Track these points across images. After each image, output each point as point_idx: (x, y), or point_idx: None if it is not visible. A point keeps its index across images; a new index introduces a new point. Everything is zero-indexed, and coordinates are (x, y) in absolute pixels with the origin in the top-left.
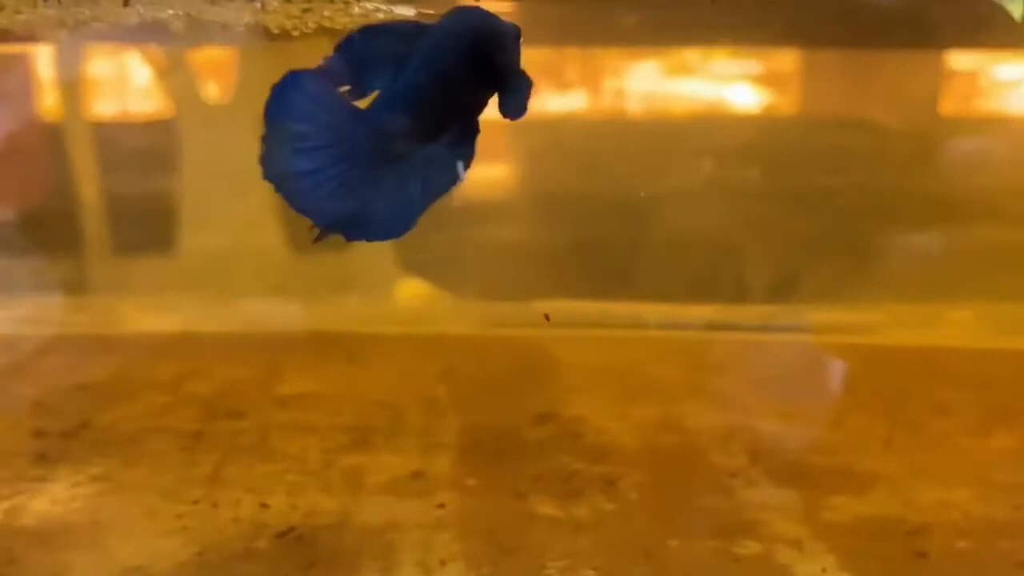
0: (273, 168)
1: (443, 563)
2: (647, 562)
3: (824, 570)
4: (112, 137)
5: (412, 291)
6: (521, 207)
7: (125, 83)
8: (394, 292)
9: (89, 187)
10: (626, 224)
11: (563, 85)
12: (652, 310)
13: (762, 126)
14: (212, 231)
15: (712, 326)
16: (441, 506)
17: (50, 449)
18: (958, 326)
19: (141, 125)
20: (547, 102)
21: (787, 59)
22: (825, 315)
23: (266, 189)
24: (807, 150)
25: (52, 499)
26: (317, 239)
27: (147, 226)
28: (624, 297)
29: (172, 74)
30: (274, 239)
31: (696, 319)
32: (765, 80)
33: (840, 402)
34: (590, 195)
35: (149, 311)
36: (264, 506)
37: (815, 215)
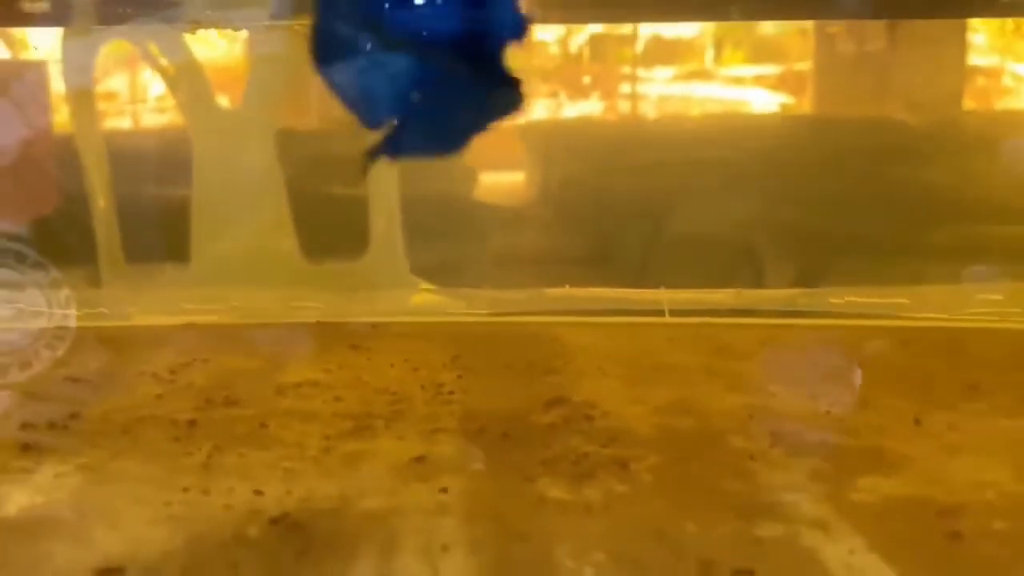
0: (325, 57)
1: (446, 548)
2: (661, 544)
3: (852, 552)
4: (124, 145)
5: (425, 301)
6: (538, 209)
7: (137, 91)
8: (407, 302)
9: (101, 195)
10: (644, 222)
11: (581, 91)
12: (669, 297)
13: (779, 124)
14: (225, 238)
15: (732, 312)
16: (444, 491)
17: (36, 441)
18: (987, 307)
19: (153, 133)
20: (568, 107)
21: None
22: (851, 299)
23: (279, 198)
24: (826, 147)
25: (35, 489)
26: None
27: (158, 233)
28: (639, 286)
29: (183, 81)
30: (287, 247)
31: (715, 305)
32: (781, 80)
33: (867, 384)
34: (608, 196)
35: (154, 309)
36: (258, 493)
37: (839, 209)
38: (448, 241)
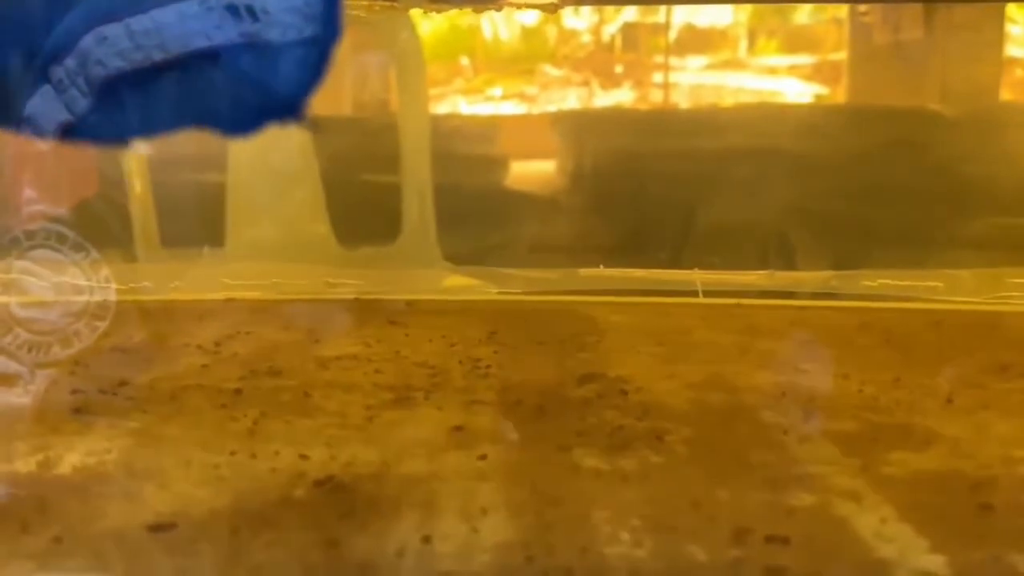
0: None
1: (485, 511)
2: (695, 512)
3: (883, 521)
4: None
5: (459, 281)
6: (569, 197)
7: None
8: (441, 281)
9: (138, 179)
10: (676, 211)
11: (613, 80)
12: (702, 278)
13: (813, 113)
14: (259, 223)
15: (765, 293)
16: (483, 457)
17: (87, 405)
18: (1020, 291)
19: None
20: (600, 96)
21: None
22: (884, 282)
23: (314, 183)
24: (860, 137)
25: (87, 451)
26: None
27: (193, 217)
28: (673, 267)
29: None
30: (321, 232)
31: (748, 287)
32: (816, 70)
33: (900, 364)
34: (640, 185)
35: (195, 285)
36: (303, 457)
37: (873, 198)
38: (480, 228)
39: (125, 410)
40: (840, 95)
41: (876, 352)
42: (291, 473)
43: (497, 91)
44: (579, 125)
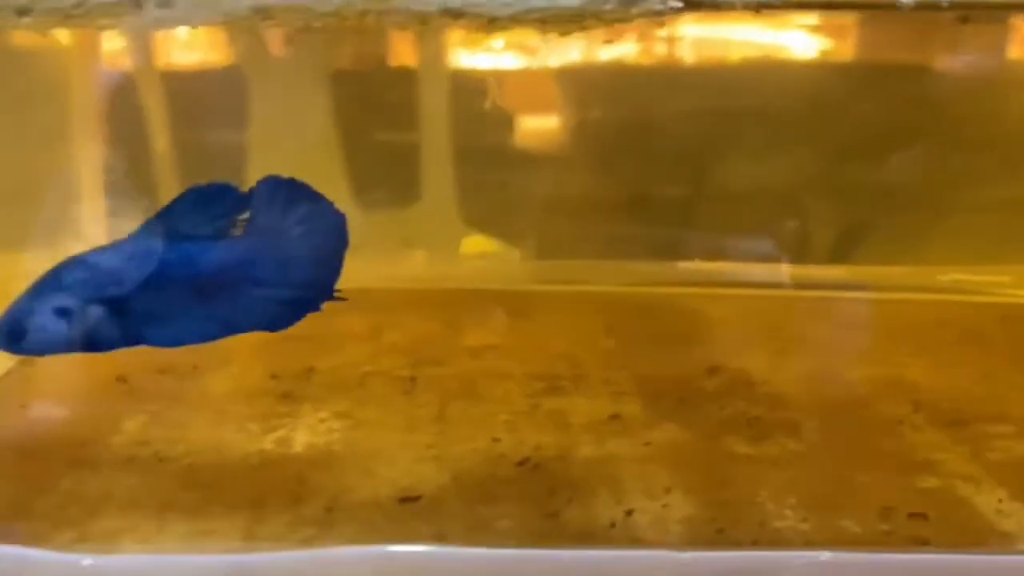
0: None
1: (668, 490)
2: (842, 493)
3: (1000, 500)
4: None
5: (476, 246)
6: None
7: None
8: (460, 247)
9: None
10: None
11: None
12: (787, 271)
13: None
14: None
15: (847, 286)
16: (648, 444)
17: (289, 390)
18: None
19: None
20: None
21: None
22: (955, 277)
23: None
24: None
25: (310, 431)
26: None
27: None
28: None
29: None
30: (342, 198)
31: (830, 279)
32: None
33: (984, 358)
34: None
35: None
36: (496, 440)
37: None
38: (498, 191)
39: (321, 395)
40: (848, 51)
41: (957, 346)
42: (491, 455)
43: (498, 43)
44: (584, 80)
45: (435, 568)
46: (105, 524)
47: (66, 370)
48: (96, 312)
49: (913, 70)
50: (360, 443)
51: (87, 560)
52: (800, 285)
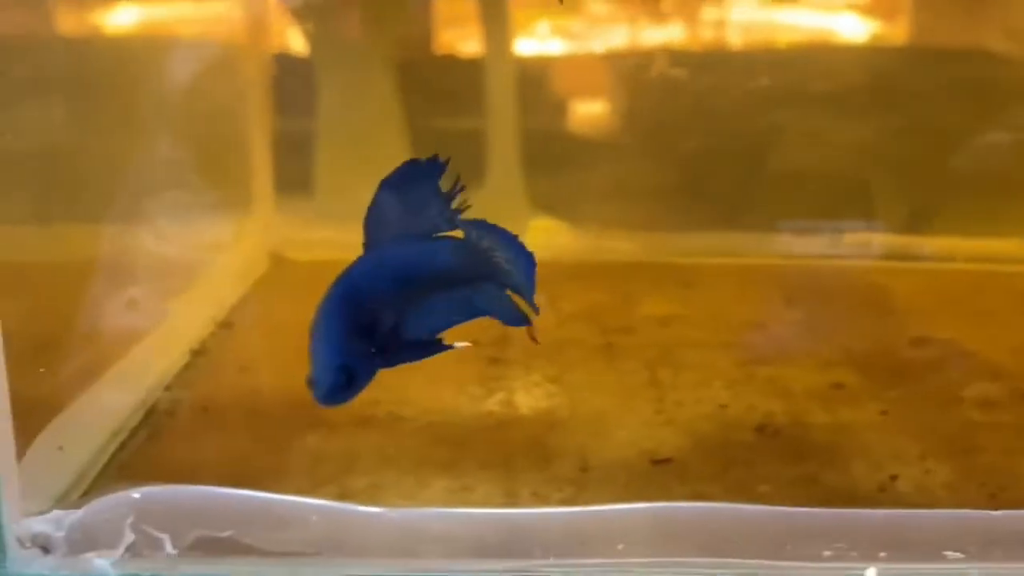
0: None
1: (922, 457)
2: None
3: None
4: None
5: (543, 227)
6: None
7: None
8: (527, 229)
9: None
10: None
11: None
12: (957, 245)
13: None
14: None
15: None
16: (884, 413)
17: (495, 355)
18: None
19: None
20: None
21: None
22: None
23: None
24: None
25: (527, 394)
26: None
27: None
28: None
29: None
30: None
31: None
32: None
33: None
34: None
35: None
36: (723, 406)
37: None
38: (562, 174)
39: (526, 360)
40: (899, 33)
41: None
42: (725, 420)
43: (543, 28)
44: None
45: (725, 524)
46: (362, 480)
47: (267, 336)
48: None
49: None
50: (582, 406)
51: (392, 513)
52: (968, 259)
